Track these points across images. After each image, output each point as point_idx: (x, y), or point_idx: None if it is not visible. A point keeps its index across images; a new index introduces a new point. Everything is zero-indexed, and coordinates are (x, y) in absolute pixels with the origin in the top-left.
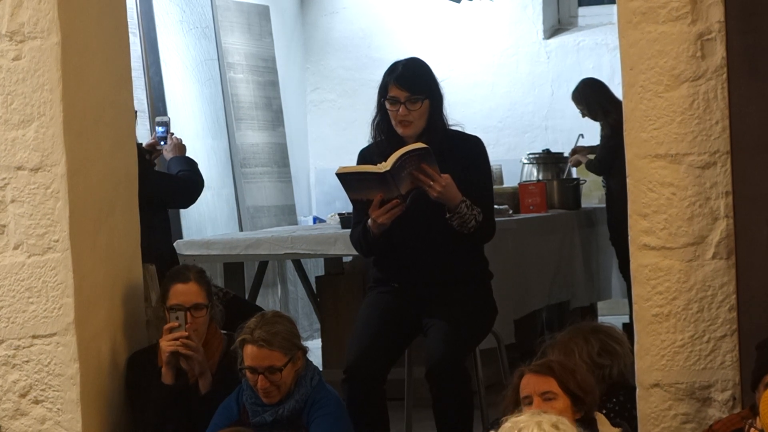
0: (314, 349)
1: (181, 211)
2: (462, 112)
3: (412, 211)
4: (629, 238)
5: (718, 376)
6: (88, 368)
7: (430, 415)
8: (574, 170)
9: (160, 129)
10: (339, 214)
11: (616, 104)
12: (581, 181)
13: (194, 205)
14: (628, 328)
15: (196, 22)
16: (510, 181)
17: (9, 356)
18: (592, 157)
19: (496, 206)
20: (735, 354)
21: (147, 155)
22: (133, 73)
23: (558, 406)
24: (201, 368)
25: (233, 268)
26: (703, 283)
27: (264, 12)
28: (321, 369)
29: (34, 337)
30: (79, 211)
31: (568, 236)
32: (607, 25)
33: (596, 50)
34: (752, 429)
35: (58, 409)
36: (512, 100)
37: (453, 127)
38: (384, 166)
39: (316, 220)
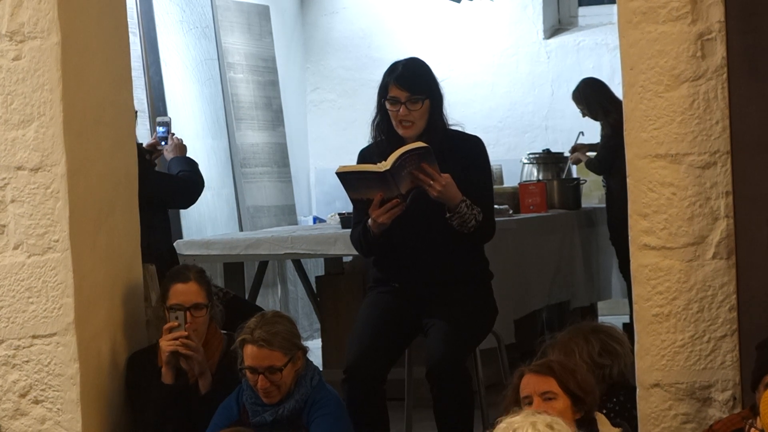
0: (314, 349)
1: (181, 211)
2: (462, 112)
3: (413, 211)
4: (629, 238)
5: (719, 376)
6: (88, 368)
7: (430, 415)
8: (574, 168)
9: (160, 129)
10: (339, 214)
11: (617, 104)
12: (581, 181)
13: (194, 205)
14: (629, 328)
15: (196, 22)
16: (510, 181)
17: (9, 356)
18: (592, 155)
19: (496, 206)
20: (735, 354)
21: (147, 155)
22: (133, 73)
23: (558, 406)
24: (201, 368)
25: (233, 268)
26: (704, 283)
27: (264, 12)
28: (321, 369)
29: (34, 337)
30: (79, 211)
31: (568, 236)
32: (607, 25)
33: (596, 50)
34: (752, 429)
35: (58, 409)
36: (512, 100)
37: (453, 127)
38: (384, 166)
39: (316, 220)
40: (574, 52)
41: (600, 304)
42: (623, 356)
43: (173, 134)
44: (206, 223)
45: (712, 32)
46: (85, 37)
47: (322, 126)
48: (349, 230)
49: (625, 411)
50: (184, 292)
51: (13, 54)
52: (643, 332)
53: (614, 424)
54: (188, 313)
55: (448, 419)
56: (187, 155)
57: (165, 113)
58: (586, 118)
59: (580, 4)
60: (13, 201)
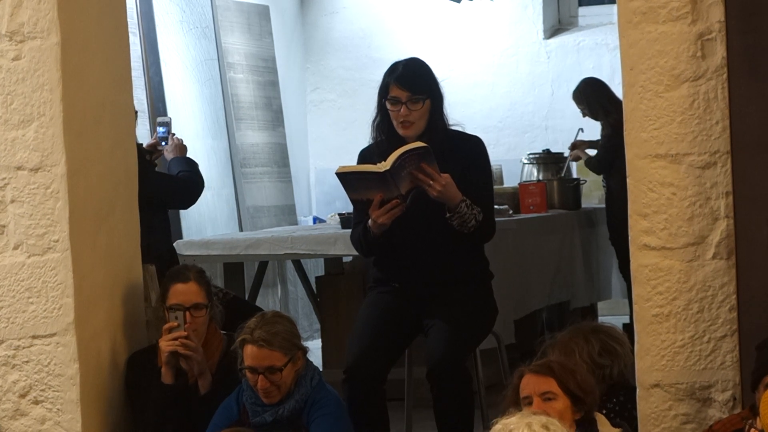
0: (314, 349)
1: (181, 211)
2: (462, 112)
3: (412, 211)
4: (629, 238)
5: (719, 376)
6: (88, 368)
7: (430, 415)
8: (574, 166)
9: (161, 129)
10: (339, 214)
11: (617, 104)
12: (581, 181)
13: (194, 205)
14: (629, 328)
15: (196, 22)
16: (510, 181)
17: (9, 356)
18: (591, 152)
19: (496, 206)
20: (735, 354)
21: (148, 155)
22: (133, 73)
23: (558, 406)
24: (200, 368)
25: (233, 268)
26: (704, 283)
27: (264, 12)
28: (321, 369)
29: (34, 337)
30: (79, 211)
31: (568, 236)
32: (607, 25)
33: (596, 50)
34: (752, 429)
35: (58, 409)
36: (512, 100)
37: (454, 127)
38: (383, 166)
39: (316, 220)
40: (574, 52)
41: (600, 304)
42: (623, 356)
43: (173, 134)
44: (206, 223)
45: (712, 32)
46: (85, 37)
47: (322, 126)
48: (349, 230)
49: (625, 411)
50: (183, 292)
51: (13, 54)
52: (643, 332)
53: (614, 425)
54: (188, 313)
55: (448, 419)
56: (188, 155)
57: (165, 113)
58: (587, 117)
59: (580, 4)
60: (13, 201)
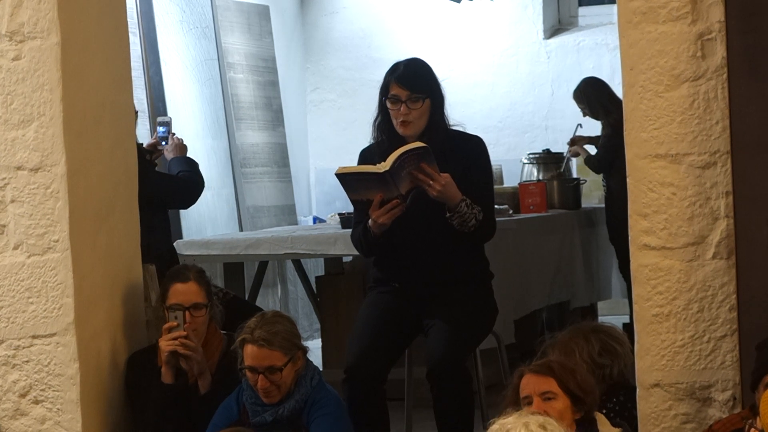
0: (314, 349)
1: (181, 211)
2: (462, 112)
3: (413, 211)
4: (629, 238)
5: (719, 376)
6: (88, 368)
7: (430, 415)
8: (574, 164)
9: (161, 129)
10: (339, 214)
11: (617, 103)
12: (581, 181)
13: (194, 205)
14: (629, 328)
15: (196, 22)
16: (510, 181)
17: (9, 356)
18: (589, 148)
19: (496, 206)
20: (735, 354)
21: (148, 155)
22: (133, 73)
23: (558, 406)
24: (200, 368)
25: (233, 268)
26: (704, 283)
27: (264, 12)
28: (321, 369)
29: (34, 337)
30: (79, 211)
31: (568, 236)
32: (607, 25)
33: (596, 50)
34: (752, 429)
35: (58, 409)
36: (512, 100)
37: (454, 127)
38: (383, 166)
39: (316, 220)
40: (574, 52)
41: (600, 304)
42: (623, 356)
43: (173, 134)
44: (206, 223)
45: (712, 32)
46: (85, 37)
47: (322, 126)
48: (349, 230)
49: (625, 411)
50: (183, 291)
51: (13, 54)
52: (643, 332)
53: (614, 424)
54: (187, 313)
55: (448, 419)
56: (188, 155)
57: (165, 113)
58: (587, 117)
59: (580, 4)
60: (13, 201)
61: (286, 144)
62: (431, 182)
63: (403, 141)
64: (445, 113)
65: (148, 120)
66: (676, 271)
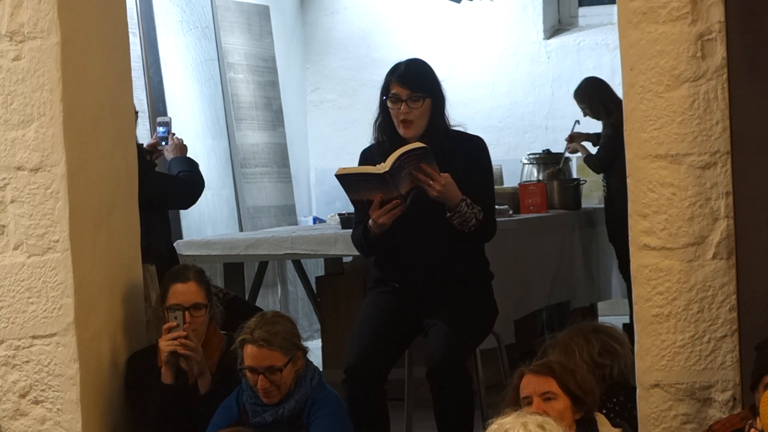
0: (314, 349)
1: (181, 211)
2: (462, 112)
3: (413, 211)
4: (629, 238)
5: (719, 376)
6: (88, 368)
7: (430, 415)
8: (574, 164)
9: (161, 129)
10: (339, 215)
11: (619, 103)
12: (581, 181)
13: (194, 205)
14: (629, 328)
15: (196, 22)
16: (510, 181)
17: (9, 356)
18: (587, 146)
19: (496, 206)
20: (735, 354)
21: (148, 155)
22: (133, 73)
23: (558, 406)
24: (200, 368)
25: (233, 268)
26: (704, 283)
27: (264, 12)
28: (321, 369)
29: (34, 337)
30: (79, 211)
31: (568, 236)
32: (607, 25)
33: (596, 50)
34: (752, 429)
35: (58, 409)
36: (512, 100)
37: (455, 128)
38: (383, 167)
39: (316, 220)
40: (575, 52)
41: (600, 304)
42: (623, 356)
43: (173, 134)
44: (206, 223)
45: (712, 32)
46: (85, 37)
47: (322, 126)
48: (349, 230)
49: (625, 411)
50: (183, 292)
51: (13, 54)
52: (643, 332)
53: (614, 424)
54: (187, 313)
55: (449, 419)
56: (188, 155)
57: (165, 113)
58: (587, 117)
59: (580, 4)
60: (13, 201)
61: (286, 144)
62: (431, 182)
63: (404, 141)
64: (446, 114)
65: (148, 120)
66: (676, 271)
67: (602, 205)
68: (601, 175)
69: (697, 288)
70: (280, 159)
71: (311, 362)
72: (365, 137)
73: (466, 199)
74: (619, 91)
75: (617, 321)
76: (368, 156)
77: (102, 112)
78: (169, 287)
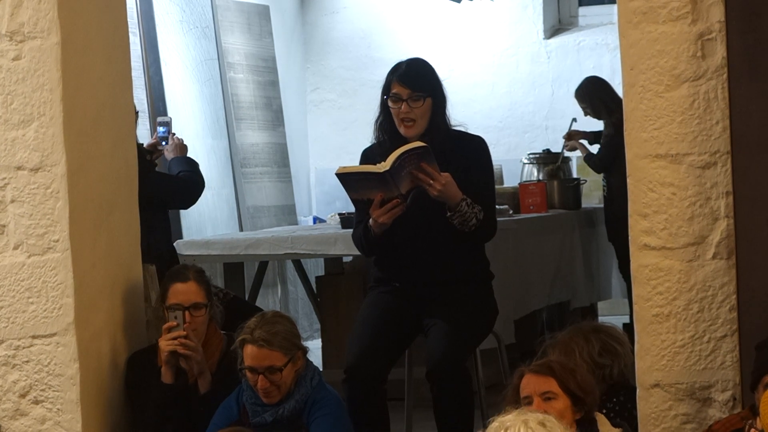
0: (314, 349)
1: (181, 211)
2: (462, 112)
3: (413, 211)
4: (629, 238)
5: (719, 376)
6: (88, 368)
7: (430, 415)
8: (574, 162)
9: (161, 129)
10: (339, 214)
11: (620, 103)
12: (581, 181)
13: (194, 205)
14: (629, 328)
15: (196, 22)
16: (510, 181)
17: (9, 356)
18: (586, 143)
19: (496, 206)
20: (735, 354)
21: (148, 155)
22: (133, 73)
23: (558, 406)
24: (200, 368)
25: (233, 268)
26: (704, 283)
27: (264, 12)
28: (321, 369)
29: (34, 337)
30: (79, 211)
31: (568, 236)
32: (607, 25)
33: (596, 50)
34: (752, 429)
35: (58, 409)
36: (512, 100)
37: (456, 128)
38: (383, 166)
39: (316, 220)
40: (575, 52)
41: (600, 304)
42: (623, 356)
43: (174, 134)
44: (206, 223)
45: (712, 32)
46: (85, 37)
47: (322, 126)
48: (349, 230)
49: (625, 411)
50: (183, 291)
51: (13, 54)
52: (643, 332)
53: (614, 424)
54: (187, 313)
55: (448, 419)
56: (188, 155)
57: (165, 113)
58: (587, 117)
59: (580, 4)
60: (13, 201)
61: (286, 144)
62: (431, 182)
63: (405, 141)
64: (447, 113)
65: (148, 120)
66: (676, 271)
67: (602, 205)
68: (602, 175)
69: (697, 288)
70: (280, 159)
71: (311, 362)
72: (365, 137)
73: (467, 199)
74: (619, 91)
75: (617, 321)
76: (369, 156)
77: (102, 112)
78: (169, 287)
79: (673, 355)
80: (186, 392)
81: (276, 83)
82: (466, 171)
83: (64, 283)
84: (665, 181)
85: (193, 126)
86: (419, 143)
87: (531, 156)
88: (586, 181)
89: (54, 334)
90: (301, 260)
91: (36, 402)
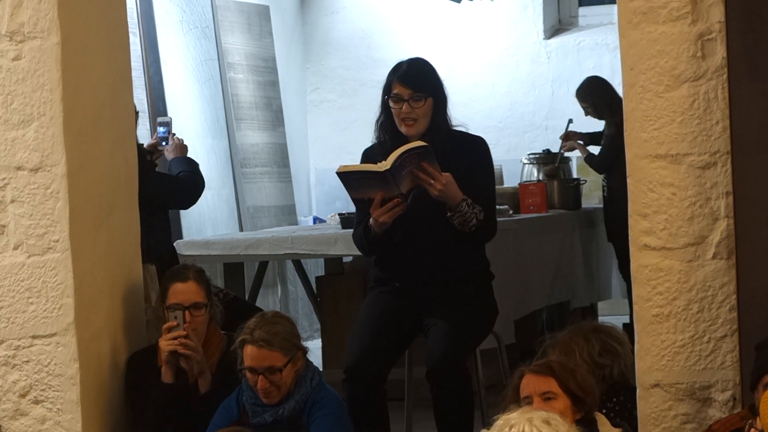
0: (314, 349)
1: (181, 211)
2: (462, 112)
3: (414, 211)
4: (630, 238)
5: (719, 376)
6: (88, 368)
7: (430, 415)
8: (574, 162)
9: (161, 129)
10: (339, 214)
11: (621, 103)
12: (581, 182)
13: (194, 205)
14: (629, 328)
15: (196, 22)
16: (510, 181)
17: (9, 356)
18: (583, 143)
19: (496, 206)
20: (735, 354)
21: (148, 156)
22: (133, 73)
23: (558, 406)
24: (200, 368)
25: (233, 268)
26: (704, 283)
27: (264, 12)
28: (321, 369)
29: (34, 337)
30: (79, 211)
31: (568, 236)
32: (607, 25)
33: (596, 50)
34: (752, 429)
35: (58, 409)
36: (512, 100)
37: (457, 128)
38: (384, 165)
39: (316, 220)
40: (575, 52)
41: (600, 304)
42: (623, 356)
43: (174, 134)
44: (206, 223)
45: (712, 32)
46: (85, 37)
47: (322, 126)
48: (349, 230)
49: (625, 411)
50: (183, 291)
51: (13, 54)
52: (643, 332)
53: (614, 424)
54: (187, 313)
55: (448, 419)
56: (188, 155)
57: (165, 113)
58: (588, 117)
59: (581, 4)
60: (13, 201)
61: (286, 144)
62: (432, 181)
63: (405, 140)
64: (448, 114)
65: (148, 120)
66: (676, 271)
67: (602, 205)
68: (602, 175)
69: (697, 288)
70: (280, 159)
71: (311, 362)
72: (365, 137)
73: (467, 199)
74: (619, 91)
75: (617, 321)
76: (370, 155)
77: (102, 112)
78: (169, 287)
79: (673, 355)
80: (186, 392)
81: (276, 83)
82: (467, 171)
83: (64, 283)
84: (665, 181)
85: (193, 126)
86: (420, 143)
87: (531, 156)
88: (586, 181)
89: (54, 334)
90: (301, 260)
91: (36, 402)
